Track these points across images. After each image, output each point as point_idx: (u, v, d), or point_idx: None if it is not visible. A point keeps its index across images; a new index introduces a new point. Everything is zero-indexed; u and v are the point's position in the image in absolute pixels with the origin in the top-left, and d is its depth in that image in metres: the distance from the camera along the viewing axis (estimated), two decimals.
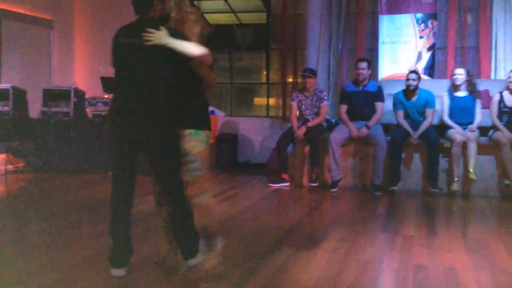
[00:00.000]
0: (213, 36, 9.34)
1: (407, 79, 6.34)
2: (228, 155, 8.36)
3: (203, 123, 3.20)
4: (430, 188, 6.14)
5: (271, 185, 6.63)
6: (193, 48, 2.92)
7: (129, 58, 2.97)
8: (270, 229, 4.49)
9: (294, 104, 6.88)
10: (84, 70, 9.21)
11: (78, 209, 5.15)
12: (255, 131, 8.61)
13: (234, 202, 5.68)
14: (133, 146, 3.00)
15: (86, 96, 7.88)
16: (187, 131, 3.11)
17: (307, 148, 6.68)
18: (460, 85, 6.28)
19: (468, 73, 6.32)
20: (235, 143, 8.55)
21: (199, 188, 3.16)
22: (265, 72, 9.02)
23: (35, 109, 7.65)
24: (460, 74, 6.27)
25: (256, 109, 9.41)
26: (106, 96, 7.69)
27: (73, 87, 7.73)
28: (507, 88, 6.19)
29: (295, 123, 6.75)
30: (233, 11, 8.57)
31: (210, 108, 8.68)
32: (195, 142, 3.12)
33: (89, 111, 7.89)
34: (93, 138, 7.47)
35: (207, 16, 8.92)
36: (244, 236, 4.25)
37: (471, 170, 5.91)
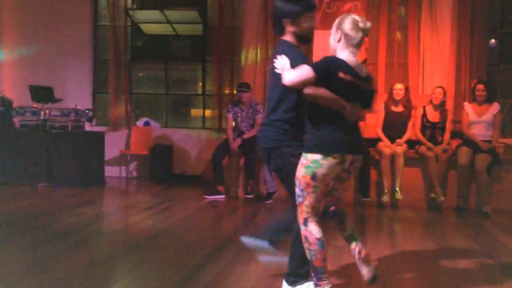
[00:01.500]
0: (149, 47, 9.19)
1: None
2: (163, 167, 8.26)
3: (309, 145, 2.89)
4: (361, 198, 6.31)
5: (206, 197, 6.60)
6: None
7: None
8: (204, 241, 4.46)
9: (230, 115, 6.91)
10: (12, 78, 8.85)
11: (2, 223, 4.92)
12: (191, 143, 8.56)
13: (169, 215, 5.60)
14: None
15: (14, 105, 7.57)
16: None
17: (242, 160, 6.71)
18: (398, 100, 6.52)
19: (406, 89, 6.57)
20: (170, 154, 8.47)
21: (299, 217, 2.93)
22: (201, 84, 9.00)
23: None
24: (400, 89, 6.50)
25: (192, 120, 9.36)
26: (35, 106, 7.42)
27: (0, 95, 7.41)
28: (431, 103, 6.48)
29: (230, 135, 6.78)
30: (169, 22, 8.51)
31: (145, 119, 8.66)
32: (299, 166, 2.87)
33: (16, 120, 7.58)
34: (20, 149, 7.18)
35: (142, 26, 8.82)
36: (177, 249, 4.20)
37: (397, 189, 6.14)
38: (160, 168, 8.24)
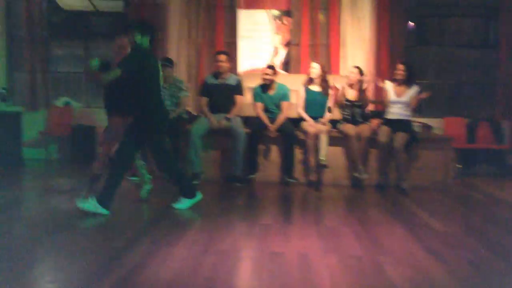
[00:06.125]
0: (67, 23, 8.76)
1: (265, 74, 6.53)
2: (85, 149, 7.99)
3: None
4: (286, 178, 6.40)
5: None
6: None
7: None
8: (129, 223, 4.38)
9: None
10: None
11: None
12: None
13: None
14: None
15: None
16: None
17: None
18: (314, 79, 6.61)
19: (322, 69, 6.66)
20: (92, 135, 8.19)
21: None
22: None
23: None
24: (315, 68, 6.59)
25: None
26: None
27: None
28: (348, 83, 6.61)
29: None
30: None
31: (65, 99, 8.32)
32: None
33: None
34: None
35: (59, 1, 8.43)
36: (101, 232, 4.10)
37: (322, 158, 6.25)
38: (82, 149, 7.96)
